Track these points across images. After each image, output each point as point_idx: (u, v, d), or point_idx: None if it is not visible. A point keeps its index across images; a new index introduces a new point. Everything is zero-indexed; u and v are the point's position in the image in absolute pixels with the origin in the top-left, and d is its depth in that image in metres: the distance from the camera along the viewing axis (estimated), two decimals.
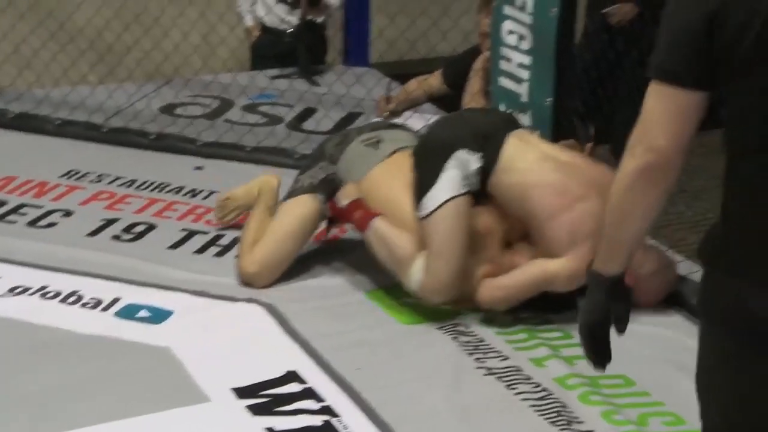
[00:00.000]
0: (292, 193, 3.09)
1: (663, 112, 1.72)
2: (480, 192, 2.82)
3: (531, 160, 2.80)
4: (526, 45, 3.30)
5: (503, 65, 3.38)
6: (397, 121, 3.75)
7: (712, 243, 1.78)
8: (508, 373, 2.61)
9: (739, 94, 1.69)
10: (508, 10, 3.33)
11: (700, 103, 1.73)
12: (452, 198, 2.74)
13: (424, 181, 2.76)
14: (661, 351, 2.74)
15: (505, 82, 3.39)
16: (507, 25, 3.35)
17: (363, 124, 3.27)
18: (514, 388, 2.54)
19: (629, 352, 2.70)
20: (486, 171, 2.79)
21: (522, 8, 3.29)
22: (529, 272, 2.77)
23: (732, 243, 1.73)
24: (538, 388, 2.54)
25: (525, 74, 3.32)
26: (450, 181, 2.74)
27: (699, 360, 1.81)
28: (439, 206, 2.73)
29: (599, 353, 1.95)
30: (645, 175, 1.74)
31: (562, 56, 3.24)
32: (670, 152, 1.73)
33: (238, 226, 3.31)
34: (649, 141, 1.73)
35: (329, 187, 3.03)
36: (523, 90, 3.34)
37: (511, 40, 3.34)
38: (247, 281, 3.02)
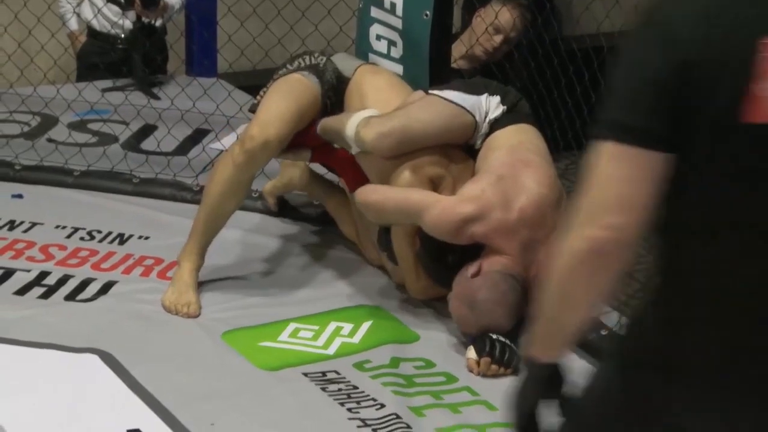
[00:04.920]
0: (276, 77, 3.24)
1: (621, 181, 1.58)
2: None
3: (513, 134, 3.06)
4: (396, 53, 3.33)
5: None
6: None
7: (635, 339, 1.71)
8: (385, 424, 2.60)
9: (708, 163, 1.59)
10: (375, 12, 3.36)
11: (667, 169, 1.59)
12: (460, 102, 3.01)
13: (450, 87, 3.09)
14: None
15: None
16: (375, 29, 3.37)
17: None
18: None
19: None
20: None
21: (391, 10, 3.31)
22: (410, 194, 2.94)
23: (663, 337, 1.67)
24: None
25: None
26: (472, 99, 3.03)
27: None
28: (446, 99, 3.02)
29: None
30: (595, 258, 1.61)
31: (437, 65, 3.29)
32: (629, 230, 1.60)
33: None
34: (604, 217, 1.59)
35: (317, 71, 3.20)
36: None
37: (381, 47, 3.37)
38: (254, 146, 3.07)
